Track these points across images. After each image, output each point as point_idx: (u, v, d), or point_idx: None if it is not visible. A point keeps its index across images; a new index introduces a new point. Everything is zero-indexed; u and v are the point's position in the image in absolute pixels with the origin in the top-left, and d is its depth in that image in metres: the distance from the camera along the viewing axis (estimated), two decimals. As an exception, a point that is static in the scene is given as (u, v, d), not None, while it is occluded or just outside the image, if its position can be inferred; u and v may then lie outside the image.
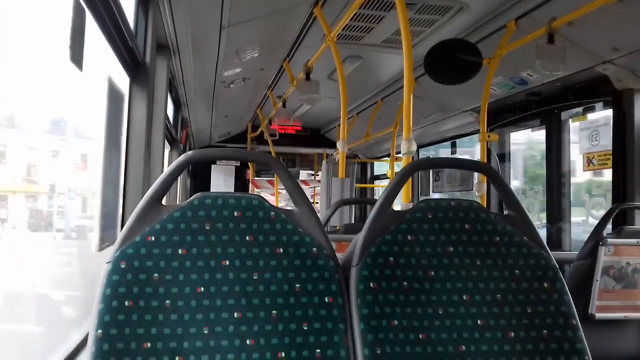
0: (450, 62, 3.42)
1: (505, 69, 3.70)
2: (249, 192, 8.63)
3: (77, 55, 1.43)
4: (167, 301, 1.17)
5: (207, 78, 4.66)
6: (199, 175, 8.69)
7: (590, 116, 3.93)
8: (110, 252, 1.20)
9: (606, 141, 3.64)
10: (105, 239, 2.07)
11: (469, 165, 1.75)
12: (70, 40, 1.41)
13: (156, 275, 1.18)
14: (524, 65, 3.65)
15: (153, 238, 1.20)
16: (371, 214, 1.37)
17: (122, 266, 1.17)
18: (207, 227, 1.24)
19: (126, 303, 1.14)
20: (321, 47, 3.78)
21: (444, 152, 6.32)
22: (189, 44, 3.43)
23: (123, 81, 2.40)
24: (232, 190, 8.48)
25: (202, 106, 5.91)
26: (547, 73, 3.36)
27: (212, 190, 7.74)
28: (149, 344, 1.13)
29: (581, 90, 3.78)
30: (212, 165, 8.80)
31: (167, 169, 1.27)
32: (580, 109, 4.04)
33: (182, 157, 1.28)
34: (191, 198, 1.26)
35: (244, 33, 3.64)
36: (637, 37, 2.94)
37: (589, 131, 3.82)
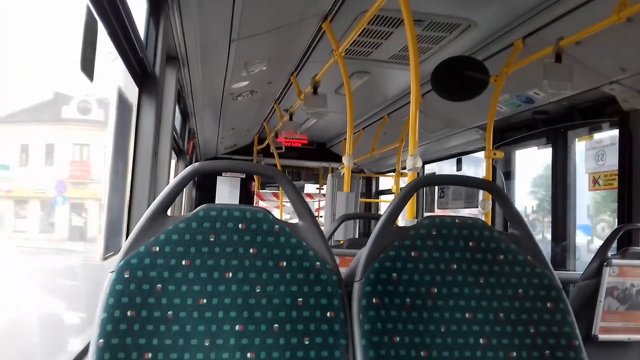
0: (457, 79, 3.44)
1: (511, 87, 3.71)
2: (254, 204, 8.64)
3: (88, 66, 1.45)
4: (169, 312, 1.17)
5: (215, 90, 4.69)
6: (204, 186, 8.71)
7: (597, 136, 3.93)
8: (115, 261, 1.20)
9: (612, 161, 3.63)
10: (110, 248, 2.07)
11: (474, 183, 1.74)
12: (82, 50, 1.43)
13: (159, 285, 1.18)
14: (530, 84, 3.66)
15: (157, 248, 1.21)
16: (375, 229, 1.37)
17: (126, 276, 1.17)
18: (211, 239, 1.24)
19: (128, 313, 1.15)
20: (329, 62, 3.80)
21: (447, 166, 6.32)
22: (198, 55, 3.46)
23: (132, 91, 2.43)
24: (237, 202, 8.51)
25: (209, 118, 5.94)
26: (554, 92, 3.37)
27: (217, 201, 7.76)
28: (150, 355, 1.13)
29: (588, 110, 3.78)
30: (218, 177, 8.82)
31: (173, 180, 1.28)
32: (586, 129, 4.03)
33: (188, 169, 1.29)
34: (196, 209, 1.27)
35: (253, 46, 3.67)
36: (644, 58, 2.95)
37: (595, 151, 3.82)
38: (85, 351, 1.72)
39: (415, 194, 1.62)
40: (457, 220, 1.39)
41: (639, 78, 3.10)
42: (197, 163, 1.31)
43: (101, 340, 1.12)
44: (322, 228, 1.51)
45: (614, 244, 2.63)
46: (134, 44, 2.09)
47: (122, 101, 2.16)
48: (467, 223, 1.39)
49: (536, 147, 4.65)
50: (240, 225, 1.26)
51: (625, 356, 2.43)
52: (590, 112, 3.78)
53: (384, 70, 4.33)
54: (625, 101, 3.29)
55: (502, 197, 1.48)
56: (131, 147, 2.40)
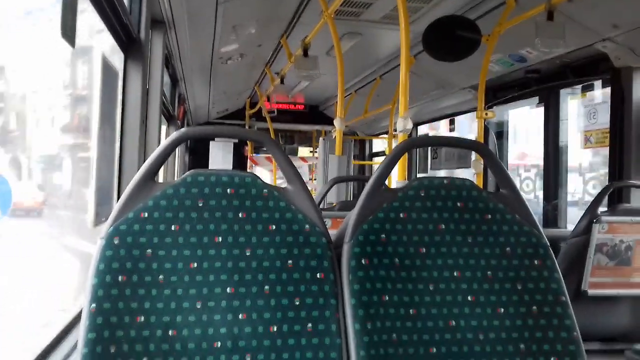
0: (449, 39, 3.40)
1: (504, 46, 3.67)
2: (247, 168, 8.63)
3: (69, 31, 1.42)
4: (160, 276, 1.18)
5: (204, 54, 4.63)
6: (197, 151, 8.68)
7: (589, 94, 3.92)
8: (104, 227, 1.21)
9: (604, 119, 3.63)
10: (101, 215, 2.08)
11: (463, 144, 1.74)
12: (62, 15, 1.40)
13: (149, 251, 1.19)
14: (523, 42, 3.63)
15: (146, 214, 1.21)
16: (364, 191, 1.38)
17: (116, 242, 1.18)
18: (200, 204, 1.24)
19: (119, 278, 1.16)
20: (319, 23, 3.74)
21: (443, 126, 6.30)
22: (185, 18, 3.39)
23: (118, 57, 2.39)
24: (231, 167, 8.51)
25: (199, 82, 5.88)
26: (546, 50, 3.34)
27: (210, 166, 7.76)
28: (142, 318, 1.14)
29: (580, 68, 3.76)
30: (211, 142, 8.78)
31: (160, 146, 1.27)
32: (579, 87, 4.02)
33: (175, 134, 1.28)
34: (184, 175, 1.27)
35: (241, 8, 3.60)
36: (637, 14, 2.91)
37: (587, 109, 3.81)
38: (77, 317, 1.74)
39: (407, 156, 1.62)
40: (445, 181, 1.40)
41: (632, 35, 3.07)
42: (184, 128, 1.30)
43: (93, 305, 1.13)
44: (316, 190, 1.51)
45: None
46: (117, 9, 2.05)
47: (107, 67, 2.13)
48: (456, 184, 1.40)
49: (528, 106, 4.64)
50: (228, 190, 1.26)
51: (614, 310, 2.48)
52: (583, 70, 3.75)
53: (375, 31, 4.27)
54: (617, 58, 3.27)
55: (491, 158, 1.49)
56: (119, 114, 2.38)
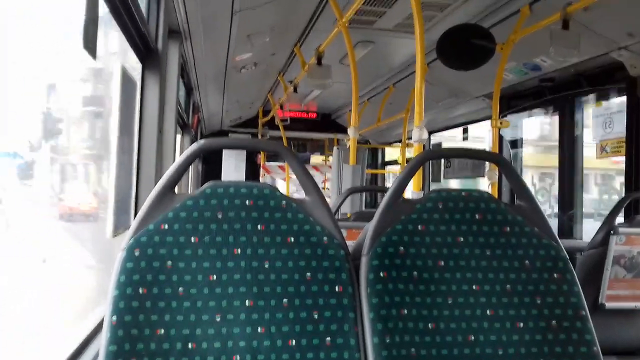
0: (463, 47, 3.39)
1: (518, 55, 3.66)
2: (260, 177, 8.64)
3: (90, 44, 1.44)
4: (180, 288, 1.18)
5: (219, 63, 4.66)
6: (210, 159, 8.71)
7: (604, 103, 3.89)
8: (125, 239, 1.22)
9: (620, 128, 3.60)
10: (119, 225, 2.09)
11: (481, 155, 1.74)
12: (84, 27, 1.42)
13: (169, 262, 1.20)
14: (537, 51, 3.61)
15: (166, 226, 1.22)
16: (382, 203, 1.38)
17: (136, 254, 1.19)
18: (219, 216, 1.25)
19: (140, 290, 1.16)
20: (333, 32, 3.75)
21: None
22: (200, 28, 3.42)
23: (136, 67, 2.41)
24: (243, 175, 8.52)
25: (213, 91, 5.91)
26: (561, 59, 3.33)
27: (223, 175, 7.75)
28: (162, 331, 1.15)
29: (595, 77, 3.73)
30: (224, 150, 8.80)
31: (179, 158, 1.28)
32: (594, 96, 3.99)
33: (193, 146, 1.29)
34: (203, 187, 1.28)
35: (256, 18, 3.62)
36: (654, 23, 2.89)
37: (603, 118, 3.78)
38: (98, 328, 1.75)
39: (421, 166, 1.61)
40: (463, 193, 1.39)
41: (648, 43, 3.05)
42: (202, 140, 1.31)
43: (114, 318, 1.14)
44: (328, 201, 1.51)
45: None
46: (136, 19, 2.07)
47: (126, 78, 2.15)
48: (473, 195, 1.39)
49: (543, 115, 4.62)
50: (247, 202, 1.27)
51: (632, 324, 2.45)
52: (598, 79, 3.73)
53: (388, 39, 4.27)
54: (633, 67, 3.24)
55: (508, 168, 1.48)
56: (136, 123, 2.40)
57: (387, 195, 1.38)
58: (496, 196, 3.09)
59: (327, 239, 1.28)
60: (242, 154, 8.83)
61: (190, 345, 1.15)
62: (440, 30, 3.47)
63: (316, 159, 9.78)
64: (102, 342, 1.13)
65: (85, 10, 1.49)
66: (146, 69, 2.44)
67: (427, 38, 2.52)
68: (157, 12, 2.46)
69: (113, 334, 1.13)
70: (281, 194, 1.31)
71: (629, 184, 3.36)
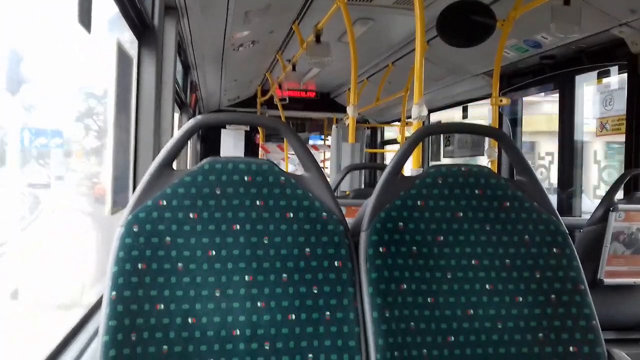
0: (463, 24, 3.36)
1: (519, 32, 3.63)
2: (259, 156, 8.64)
3: (85, 17, 1.42)
4: (179, 264, 1.18)
5: (216, 41, 4.61)
6: (208, 139, 8.69)
7: (605, 80, 3.86)
8: (123, 215, 1.21)
9: (620, 106, 3.58)
10: (118, 203, 2.09)
11: (480, 131, 1.73)
12: (79, 2, 1.40)
13: (168, 238, 1.19)
14: (538, 28, 3.58)
15: (165, 202, 1.21)
16: (381, 179, 1.37)
17: (135, 230, 1.18)
18: (217, 192, 1.24)
19: (139, 266, 1.16)
20: (331, 9, 3.71)
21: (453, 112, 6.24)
22: (197, 5, 3.38)
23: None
24: (242, 155, 8.51)
25: (211, 70, 5.86)
26: (561, 35, 3.30)
27: (222, 154, 7.78)
28: (162, 306, 1.15)
29: (596, 54, 3.70)
30: (222, 130, 8.78)
31: (176, 134, 1.27)
32: (594, 73, 3.96)
33: (191, 122, 1.27)
34: (201, 162, 1.27)
35: (253, -6, 3.58)
36: (656, -2, 2.86)
37: (603, 95, 3.76)
38: (98, 304, 1.76)
39: (420, 143, 1.60)
40: (462, 169, 1.39)
41: (650, 20, 3.02)
42: (200, 116, 1.30)
43: (113, 293, 1.14)
44: (328, 179, 1.51)
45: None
46: (132, -5, 2.05)
47: (122, 54, 2.13)
48: (473, 171, 1.39)
49: (543, 93, 4.59)
50: (246, 178, 1.26)
51: (630, 299, 2.46)
52: (599, 56, 3.70)
53: (388, 16, 4.22)
54: (634, 44, 3.21)
55: (509, 144, 1.47)
56: (133, 101, 2.38)
57: (386, 171, 1.37)
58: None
59: (326, 214, 1.27)
60: (241, 134, 8.81)
61: (190, 320, 1.15)
62: (440, 6, 3.42)
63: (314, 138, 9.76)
64: (101, 318, 1.13)
65: (80, -17, 1.46)
66: (142, 45, 2.41)
67: (426, 15, 2.49)
68: (153, -13, 2.43)
69: (112, 309, 1.13)
70: (280, 169, 1.30)
71: (628, 161, 3.35)
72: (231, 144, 8.77)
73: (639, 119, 3.31)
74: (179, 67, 4.64)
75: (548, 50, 3.87)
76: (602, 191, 3.96)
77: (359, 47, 3.65)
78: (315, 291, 1.22)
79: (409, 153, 1.40)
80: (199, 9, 3.48)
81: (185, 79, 5.20)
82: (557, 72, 4.11)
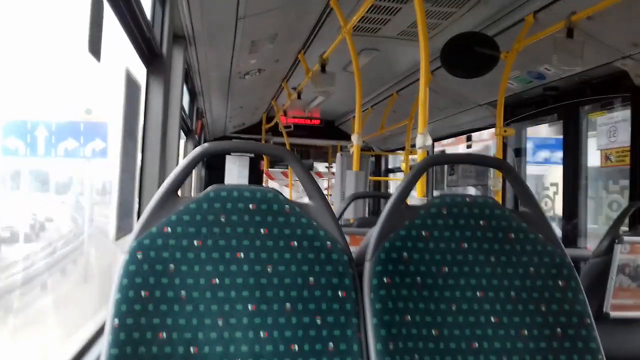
0: (467, 56, 3.39)
1: (522, 63, 3.66)
2: (263, 183, 8.65)
3: (95, 46, 1.44)
4: (182, 292, 1.18)
5: (223, 69, 4.67)
6: (213, 165, 8.72)
7: (609, 112, 3.88)
8: (128, 242, 1.21)
9: (624, 137, 3.59)
10: (122, 229, 2.09)
11: (485, 162, 1.73)
12: (89, 31, 1.42)
13: (172, 266, 1.19)
14: (542, 59, 3.61)
15: (169, 229, 1.21)
16: (385, 208, 1.37)
17: (139, 256, 1.18)
18: (222, 219, 1.24)
19: (142, 293, 1.16)
20: (337, 39, 3.76)
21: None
22: (205, 34, 3.43)
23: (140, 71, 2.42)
24: (246, 181, 8.52)
25: (217, 97, 5.92)
26: (564, 68, 3.33)
27: (226, 180, 7.78)
28: (164, 334, 1.14)
29: (599, 86, 3.73)
30: (227, 156, 8.82)
31: (183, 161, 1.28)
32: (598, 105, 3.98)
33: (197, 149, 1.28)
34: (207, 190, 1.27)
35: (260, 24, 3.63)
36: (659, 32, 2.89)
37: (607, 127, 3.78)
38: (100, 331, 1.74)
39: (425, 173, 1.61)
40: (467, 199, 1.39)
41: (652, 53, 3.04)
42: (206, 144, 1.31)
43: (116, 320, 1.13)
44: (332, 207, 1.51)
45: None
46: (141, 24, 2.08)
47: (130, 81, 2.16)
48: (478, 202, 1.39)
49: (547, 124, 4.61)
50: (250, 206, 1.27)
51: (637, 333, 2.43)
52: (602, 88, 3.72)
53: (392, 46, 4.28)
54: (637, 76, 3.24)
55: (513, 175, 1.47)
56: (140, 127, 2.40)
57: (390, 200, 1.37)
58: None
59: (331, 243, 1.27)
60: (245, 160, 8.84)
61: (192, 350, 1.15)
62: (444, 38, 3.47)
63: (319, 166, 9.78)
64: (103, 345, 1.12)
65: (90, 13, 1.50)
66: (151, 73, 2.44)
67: (431, 46, 2.52)
68: (162, 17, 2.47)
69: (115, 337, 1.12)
70: (285, 198, 1.30)
71: (633, 193, 3.35)
72: (236, 170, 8.80)
73: (644, 151, 3.31)
74: (186, 94, 4.69)
75: (552, 81, 3.90)
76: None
77: (363, 76, 3.69)
78: (319, 322, 1.21)
79: (413, 183, 1.41)
80: (206, 38, 3.53)
81: (191, 105, 5.25)
82: (560, 104, 4.13)
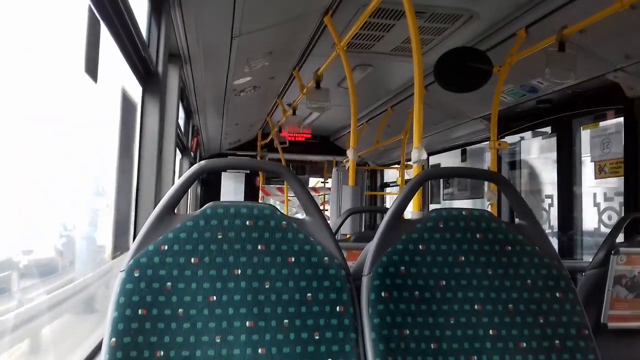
0: (460, 70, 3.43)
1: (515, 77, 3.70)
2: (259, 199, 8.65)
3: (92, 67, 1.45)
4: (179, 310, 1.18)
5: (218, 86, 4.69)
6: (209, 182, 8.72)
7: (602, 124, 3.91)
8: (124, 260, 1.21)
9: (618, 149, 3.62)
10: (118, 247, 2.08)
11: (480, 175, 1.74)
12: (86, 51, 1.43)
13: (169, 284, 1.19)
14: (534, 73, 3.65)
15: (166, 247, 1.22)
16: (382, 223, 1.37)
17: (136, 275, 1.18)
18: (219, 236, 1.24)
19: (139, 311, 1.15)
20: (331, 56, 3.79)
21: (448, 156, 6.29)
22: (200, 53, 3.46)
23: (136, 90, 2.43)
24: (242, 197, 8.51)
25: (212, 114, 5.94)
26: (557, 81, 3.36)
27: (222, 197, 7.77)
28: (161, 353, 1.14)
29: (592, 98, 3.76)
30: (223, 173, 8.82)
31: (179, 179, 1.29)
32: (591, 117, 4.02)
33: (194, 167, 1.29)
34: (203, 207, 1.27)
35: (255, 42, 3.66)
36: (649, 44, 2.93)
37: (601, 139, 3.81)
38: (97, 350, 1.73)
39: (421, 186, 1.61)
40: (463, 212, 1.39)
41: (644, 65, 3.08)
42: (203, 161, 1.31)
43: (113, 339, 1.13)
44: (328, 222, 1.51)
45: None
46: (137, 43, 2.09)
47: (126, 100, 2.17)
48: (474, 215, 1.39)
49: (541, 137, 4.65)
50: (247, 222, 1.27)
51: (635, 344, 2.43)
52: (595, 100, 3.76)
53: (386, 62, 4.31)
54: (630, 88, 3.27)
55: (509, 188, 1.48)
56: (136, 146, 2.41)
57: (387, 214, 1.38)
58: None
59: (328, 259, 1.27)
60: (241, 177, 8.84)
61: None
62: (437, 53, 3.50)
63: (315, 181, 9.79)
64: None
65: (86, 33, 1.51)
66: (146, 92, 2.45)
67: (424, 61, 2.55)
68: (157, 36, 2.49)
69: (112, 355, 1.12)
70: (282, 214, 1.30)
71: (627, 204, 3.36)
72: (231, 186, 8.80)
73: (637, 162, 3.33)
74: (182, 112, 4.70)
75: (544, 94, 3.93)
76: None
77: (358, 92, 3.72)
78: (317, 337, 1.21)
79: (410, 197, 1.41)
80: (201, 57, 3.55)
81: (187, 123, 5.26)
82: (554, 116, 4.17)
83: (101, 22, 1.65)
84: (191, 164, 5.36)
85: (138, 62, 2.25)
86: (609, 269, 2.34)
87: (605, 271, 2.35)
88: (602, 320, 2.34)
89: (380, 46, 3.90)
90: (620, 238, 2.54)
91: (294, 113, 5.49)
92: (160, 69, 2.48)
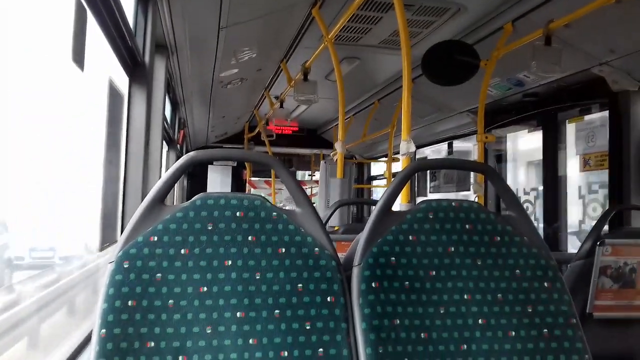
0: (447, 64, 3.44)
1: (502, 70, 3.72)
2: (246, 192, 8.62)
3: (78, 56, 1.43)
4: (170, 301, 1.17)
5: (205, 78, 4.66)
6: (195, 175, 8.68)
7: (587, 117, 3.95)
8: (113, 252, 1.20)
9: (602, 142, 3.66)
10: (106, 239, 2.07)
11: (469, 166, 1.75)
12: (73, 40, 1.42)
13: (159, 275, 1.18)
14: (520, 67, 3.67)
15: (156, 238, 1.21)
16: (372, 214, 1.38)
17: (125, 266, 1.17)
18: (209, 227, 1.24)
19: (129, 303, 1.15)
20: (319, 48, 3.78)
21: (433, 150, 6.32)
22: (187, 44, 3.43)
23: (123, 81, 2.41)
24: (229, 190, 8.48)
25: (199, 106, 5.91)
26: (543, 75, 3.38)
27: (208, 190, 7.76)
28: (152, 343, 1.13)
29: (577, 92, 3.80)
30: (209, 166, 8.78)
31: (169, 170, 1.28)
32: (577, 110, 4.06)
33: (184, 158, 1.28)
34: (193, 198, 1.27)
35: (242, 33, 3.64)
36: (634, 38, 2.96)
37: (586, 132, 3.85)
38: (86, 341, 1.72)
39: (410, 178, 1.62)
40: (453, 204, 1.40)
41: (628, 59, 3.11)
42: (192, 152, 1.31)
43: (103, 330, 1.12)
44: None
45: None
46: (124, 33, 2.07)
47: (113, 91, 2.15)
48: (463, 206, 1.40)
49: (527, 130, 4.68)
50: (238, 213, 1.26)
51: (619, 333, 2.47)
52: (581, 94, 3.79)
53: (374, 55, 4.32)
54: (614, 82, 3.30)
55: (497, 179, 1.49)
56: (123, 137, 2.39)
57: (377, 205, 1.38)
58: None
59: (319, 249, 1.28)
60: (228, 170, 8.81)
61: (180, 358, 1.14)
62: (424, 46, 3.51)
63: (302, 174, 9.79)
64: (90, 356, 1.11)
65: (73, 23, 1.49)
66: (133, 82, 2.43)
67: (412, 54, 2.55)
68: (144, 26, 2.46)
69: (102, 347, 1.11)
70: (272, 205, 1.30)
71: (612, 196, 3.41)
72: (218, 180, 8.77)
73: (621, 155, 3.37)
74: (168, 104, 4.67)
75: (531, 88, 3.96)
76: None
77: (345, 85, 3.72)
78: (308, 327, 1.21)
79: (400, 188, 1.42)
80: (188, 48, 3.53)
81: (173, 115, 5.23)
82: (540, 110, 4.20)
83: (88, 11, 1.63)
84: (178, 157, 5.33)
85: (125, 51, 2.23)
86: (595, 260, 2.37)
87: (591, 262, 2.38)
88: (587, 310, 2.37)
89: (368, 39, 3.90)
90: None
91: (281, 106, 5.48)
92: (147, 59, 2.45)
